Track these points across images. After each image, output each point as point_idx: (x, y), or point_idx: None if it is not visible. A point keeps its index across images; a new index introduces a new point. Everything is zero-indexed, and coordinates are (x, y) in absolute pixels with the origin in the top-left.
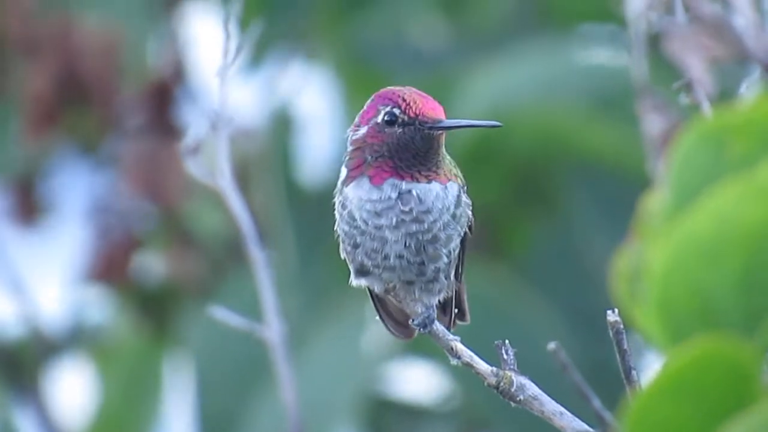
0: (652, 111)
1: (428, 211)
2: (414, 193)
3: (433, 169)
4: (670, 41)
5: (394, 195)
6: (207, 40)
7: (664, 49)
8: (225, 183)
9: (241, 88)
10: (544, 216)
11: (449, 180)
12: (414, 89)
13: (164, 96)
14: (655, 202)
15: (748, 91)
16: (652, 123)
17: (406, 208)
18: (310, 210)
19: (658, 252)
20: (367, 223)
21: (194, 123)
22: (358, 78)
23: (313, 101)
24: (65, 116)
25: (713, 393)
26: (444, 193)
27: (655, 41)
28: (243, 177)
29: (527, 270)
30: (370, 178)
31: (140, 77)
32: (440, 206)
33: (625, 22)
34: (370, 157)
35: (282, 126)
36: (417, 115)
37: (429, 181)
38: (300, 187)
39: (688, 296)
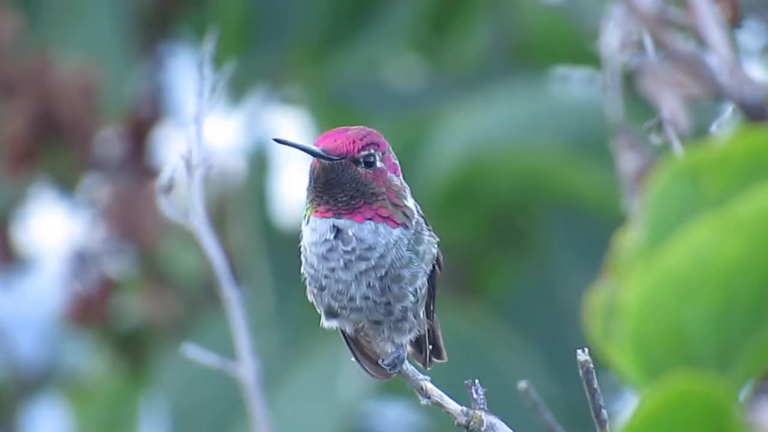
0: (627, 149)
1: (371, 248)
2: (350, 232)
3: (356, 203)
4: (644, 79)
5: (331, 236)
6: (185, 80)
7: (638, 87)
8: (198, 223)
9: (218, 128)
10: (520, 256)
11: (385, 216)
12: (354, 127)
13: (141, 136)
14: (629, 239)
15: (720, 128)
16: (627, 160)
17: (348, 248)
18: (286, 249)
19: (632, 288)
20: (321, 267)
21: (169, 163)
22: (334, 118)
23: (289, 137)
24: (42, 156)
25: (690, 430)
26: (384, 228)
27: (629, 79)
28: (219, 216)
29: (503, 309)
30: (309, 221)
31: (118, 117)
32: (383, 241)
33: (600, 62)
34: (308, 200)
35: (258, 166)
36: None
37: (355, 218)
38: (276, 227)
39: (663, 333)
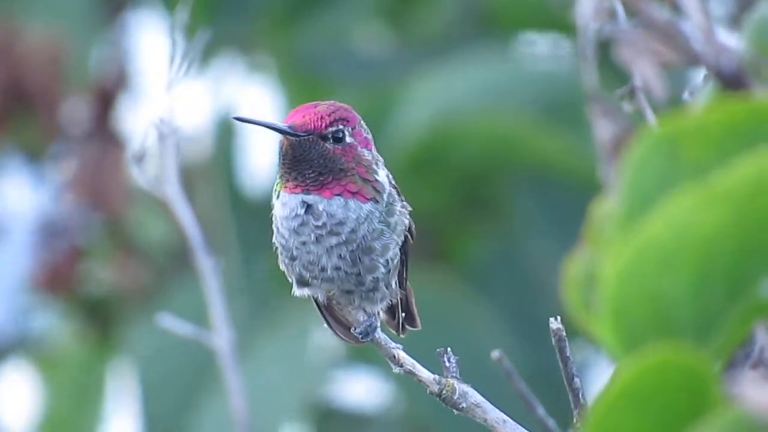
0: (603, 116)
1: (341, 223)
2: (320, 207)
3: (324, 179)
4: (619, 47)
5: (301, 211)
6: (150, 48)
7: (613, 55)
8: (171, 191)
9: (185, 96)
10: (488, 223)
11: (354, 191)
12: (321, 102)
13: (108, 104)
14: (607, 208)
15: (693, 96)
16: (603, 128)
17: (319, 223)
18: (253, 217)
19: (611, 259)
20: (292, 240)
21: (140, 131)
22: (302, 85)
23: (256, 108)
24: (9, 125)
25: (669, 401)
26: (355, 203)
27: (603, 47)
28: (186, 184)
29: (471, 277)
30: (281, 196)
31: (84, 86)
32: (354, 216)
33: (569, 29)
34: (278, 174)
35: (225, 133)
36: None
37: (323, 193)
38: (243, 195)
39: (642, 303)
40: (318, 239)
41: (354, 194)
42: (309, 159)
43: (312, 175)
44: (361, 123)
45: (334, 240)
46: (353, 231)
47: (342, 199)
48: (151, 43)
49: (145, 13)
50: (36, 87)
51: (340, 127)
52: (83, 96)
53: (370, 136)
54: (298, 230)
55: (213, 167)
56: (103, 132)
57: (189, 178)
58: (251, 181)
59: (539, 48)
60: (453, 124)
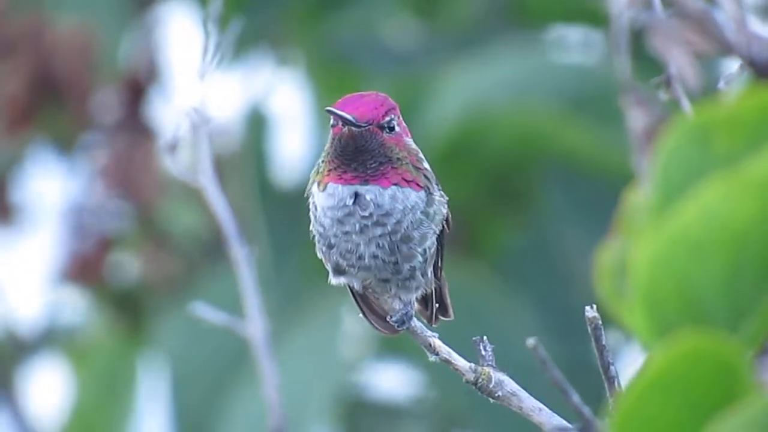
0: (636, 106)
1: (388, 214)
2: (368, 198)
3: (375, 171)
4: (653, 36)
5: (350, 201)
6: (180, 39)
7: (646, 45)
8: (205, 180)
9: (217, 87)
10: (519, 214)
11: (408, 182)
12: (369, 93)
13: (138, 95)
14: (639, 197)
15: (727, 86)
16: (636, 118)
17: (366, 213)
18: (284, 209)
19: (644, 247)
20: (333, 229)
21: (173, 121)
22: (332, 78)
23: (286, 101)
24: (40, 116)
25: (700, 389)
26: (402, 193)
27: (636, 37)
28: (218, 176)
29: (502, 267)
30: (326, 186)
31: (114, 76)
32: (401, 207)
33: (599, 21)
34: (321, 163)
35: (256, 125)
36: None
37: (382, 183)
38: (273, 186)
39: (674, 292)
40: (362, 230)
41: (409, 183)
42: (370, 149)
43: (373, 164)
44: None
45: (378, 231)
46: (399, 222)
47: (391, 190)
48: (181, 35)
49: (176, 3)
50: (66, 77)
51: (393, 116)
52: (114, 86)
53: (405, 125)
54: (342, 220)
55: (243, 159)
56: (134, 123)
57: (220, 170)
58: (281, 173)
59: (569, 40)
60: (483, 117)
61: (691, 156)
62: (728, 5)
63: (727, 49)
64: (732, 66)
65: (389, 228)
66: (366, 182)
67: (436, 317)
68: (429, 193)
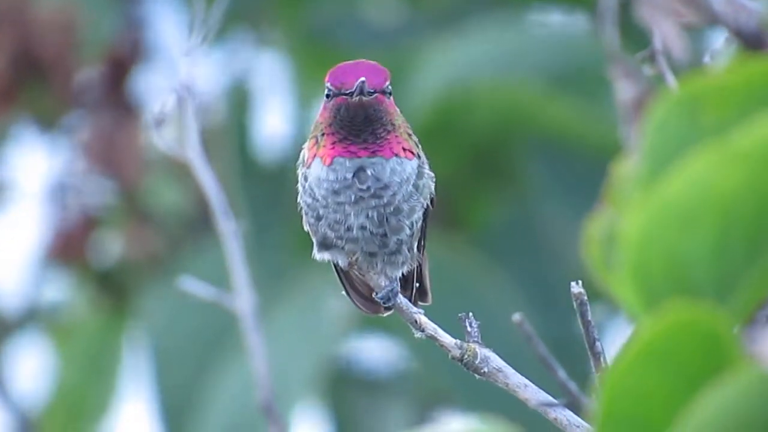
0: (624, 77)
1: (386, 187)
2: (368, 171)
3: (382, 140)
4: (641, 6)
5: (349, 174)
6: (164, 16)
7: (633, 16)
8: (193, 155)
9: (201, 65)
10: (502, 189)
11: (405, 151)
12: (362, 60)
13: (121, 72)
14: (627, 169)
15: (714, 57)
16: (624, 90)
17: (364, 186)
18: (265, 186)
19: (632, 218)
20: (326, 200)
21: (159, 97)
22: (313, 55)
23: (268, 78)
24: (23, 93)
25: (688, 360)
26: (400, 166)
27: (623, 9)
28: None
29: (486, 243)
30: (323, 158)
31: (98, 53)
32: (398, 180)
33: None
34: (319, 136)
35: (237, 102)
36: (340, 85)
37: (381, 155)
38: (255, 163)
39: (662, 263)
40: (357, 201)
41: (406, 151)
42: (379, 117)
43: (381, 133)
44: None
45: (373, 202)
46: (394, 194)
47: (392, 163)
48: (165, 12)
49: None
50: (49, 55)
51: (389, 82)
52: (97, 64)
53: None
54: (339, 191)
55: (225, 137)
56: (118, 101)
57: (204, 146)
58: (263, 150)
59: (553, 14)
60: (466, 92)
61: (679, 127)
62: None
63: (714, 19)
64: (719, 37)
65: (385, 200)
66: (374, 153)
67: (415, 301)
68: (420, 163)
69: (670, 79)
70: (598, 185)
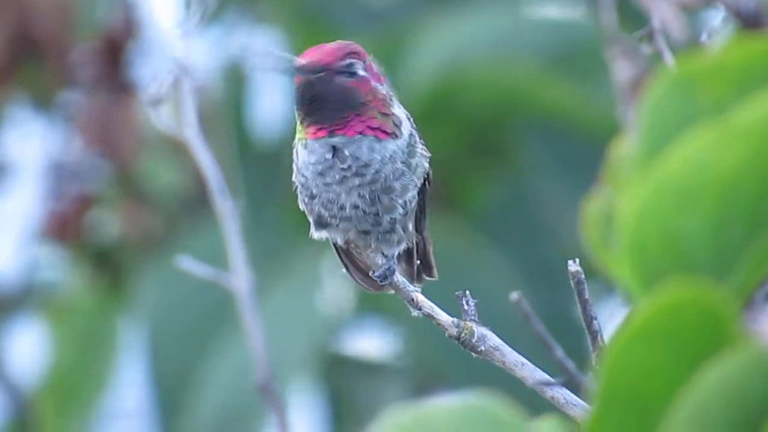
0: (621, 57)
1: (366, 165)
2: (347, 152)
3: (354, 116)
4: None
5: (329, 155)
6: None
7: None
8: (191, 134)
9: (195, 43)
10: (499, 170)
11: (375, 126)
12: (336, 42)
13: (117, 52)
14: (625, 148)
15: (712, 37)
16: (621, 69)
17: (345, 166)
18: (262, 165)
19: (630, 198)
20: (315, 181)
21: (155, 76)
22: (310, 35)
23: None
24: (19, 73)
25: (687, 338)
26: (380, 144)
27: None
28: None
29: (483, 222)
30: (305, 141)
31: (93, 33)
32: (378, 157)
33: None
34: (298, 117)
35: (233, 82)
36: (294, 67)
37: (347, 133)
38: (251, 143)
39: (661, 241)
40: (342, 180)
41: (375, 130)
42: (327, 96)
43: (332, 113)
44: (371, 59)
45: (357, 180)
46: (377, 172)
47: (367, 140)
48: None
49: None
50: (45, 35)
51: (353, 60)
52: (93, 44)
53: (381, 72)
54: (323, 172)
55: (221, 116)
56: (113, 80)
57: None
58: (259, 130)
59: None
60: (462, 73)
61: (677, 106)
62: None
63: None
64: (717, 17)
65: (368, 178)
66: (332, 133)
67: (420, 276)
68: (399, 138)
69: (668, 58)
70: (595, 165)
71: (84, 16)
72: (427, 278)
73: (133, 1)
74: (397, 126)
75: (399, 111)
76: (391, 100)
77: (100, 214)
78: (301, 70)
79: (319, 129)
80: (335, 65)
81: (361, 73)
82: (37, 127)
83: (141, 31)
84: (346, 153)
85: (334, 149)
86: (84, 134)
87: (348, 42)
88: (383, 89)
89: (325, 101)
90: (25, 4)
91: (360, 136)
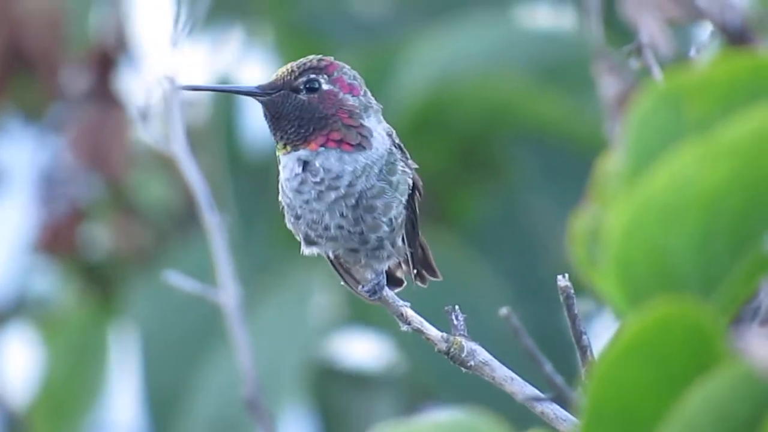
0: (608, 73)
1: (338, 177)
2: (316, 163)
3: (314, 131)
4: (624, 2)
5: (299, 169)
6: (150, 10)
7: (618, 12)
8: (178, 147)
9: (186, 57)
10: (490, 184)
11: (337, 139)
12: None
13: (107, 65)
14: (612, 164)
15: (699, 52)
16: (608, 85)
17: (317, 179)
18: (252, 180)
19: (616, 214)
20: (296, 200)
21: (144, 89)
22: (300, 48)
23: (255, 71)
24: (10, 86)
25: (674, 356)
26: (349, 156)
27: (608, 4)
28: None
29: (473, 237)
30: (281, 159)
31: (84, 46)
32: (350, 169)
33: None
34: (273, 135)
35: (224, 96)
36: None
37: (310, 147)
38: (241, 157)
39: (647, 258)
40: (319, 195)
41: (339, 142)
42: (285, 115)
43: (292, 130)
44: (344, 70)
45: (332, 195)
46: (350, 185)
47: (337, 153)
48: (150, 6)
49: None
50: (36, 48)
51: (312, 76)
52: (83, 58)
53: (357, 82)
54: (299, 189)
55: (212, 131)
56: (104, 94)
57: (190, 140)
58: (249, 144)
59: (540, 10)
60: (453, 86)
61: (663, 122)
62: None
63: (698, 15)
64: (704, 32)
65: (342, 191)
66: (296, 148)
67: (423, 277)
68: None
69: (656, 73)
70: (584, 179)
71: (75, 30)
72: (432, 279)
73: (123, 14)
74: (365, 137)
75: (372, 123)
76: (364, 111)
77: (91, 228)
78: (253, 92)
79: (286, 145)
80: (294, 83)
81: (325, 87)
82: (27, 140)
83: (131, 45)
84: (317, 164)
85: (305, 163)
86: (74, 148)
87: (315, 57)
88: (353, 100)
89: (286, 119)
90: (16, 17)
91: (323, 149)
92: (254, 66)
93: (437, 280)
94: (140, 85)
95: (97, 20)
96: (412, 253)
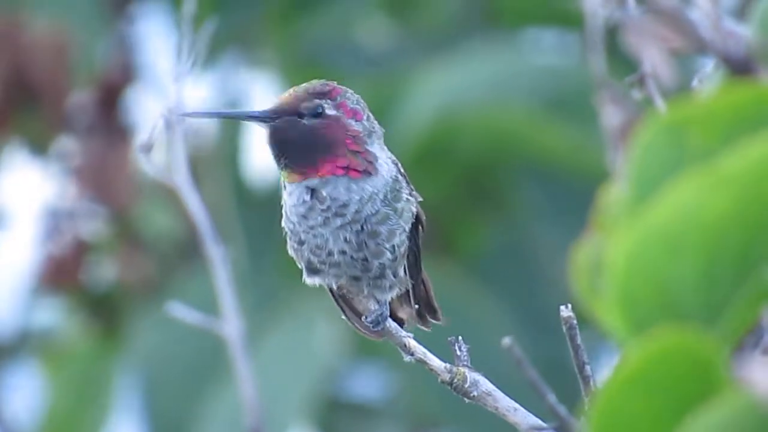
0: (611, 103)
1: (345, 204)
2: (323, 192)
3: (320, 157)
4: (627, 33)
5: (307, 197)
6: (156, 41)
7: (621, 42)
8: (181, 179)
9: (191, 88)
10: (494, 214)
11: (343, 166)
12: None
13: (113, 97)
14: (614, 194)
15: (702, 83)
16: (611, 116)
17: (324, 206)
18: (259, 210)
19: (618, 245)
20: (301, 225)
21: (148, 121)
22: (306, 79)
23: (261, 102)
24: (15, 117)
25: (676, 386)
26: (356, 184)
27: (611, 35)
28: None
29: (477, 268)
30: (287, 186)
31: (90, 78)
32: (357, 197)
33: (574, 22)
34: (275, 162)
35: (231, 126)
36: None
37: (324, 171)
38: (248, 187)
39: (649, 289)
40: (325, 222)
41: (345, 169)
42: (290, 140)
43: (297, 155)
44: (347, 95)
45: (339, 221)
46: (357, 212)
47: (345, 181)
48: (156, 37)
49: (151, 6)
50: (41, 79)
51: (316, 101)
52: (89, 89)
53: (360, 107)
54: (306, 215)
55: (218, 161)
56: (109, 125)
57: (195, 171)
58: (256, 175)
59: (544, 41)
60: (457, 117)
61: (666, 152)
62: (703, 2)
63: (701, 46)
64: (707, 63)
65: (349, 217)
66: (305, 176)
67: (425, 319)
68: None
69: (659, 104)
70: (588, 210)
71: (81, 61)
72: (433, 321)
73: (130, 45)
74: (371, 162)
75: (377, 149)
76: (368, 136)
77: (96, 260)
78: (260, 117)
79: (292, 172)
80: (299, 108)
81: (329, 112)
82: (33, 172)
83: (137, 77)
84: (324, 194)
85: (313, 191)
86: (80, 179)
87: (318, 82)
88: (357, 126)
89: (292, 145)
90: (22, 48)
91: (333, 177)
92: (260, 97)
93: (438, 323)
94: (146, 115)
95: (104, 50)
96: (413, 286)
